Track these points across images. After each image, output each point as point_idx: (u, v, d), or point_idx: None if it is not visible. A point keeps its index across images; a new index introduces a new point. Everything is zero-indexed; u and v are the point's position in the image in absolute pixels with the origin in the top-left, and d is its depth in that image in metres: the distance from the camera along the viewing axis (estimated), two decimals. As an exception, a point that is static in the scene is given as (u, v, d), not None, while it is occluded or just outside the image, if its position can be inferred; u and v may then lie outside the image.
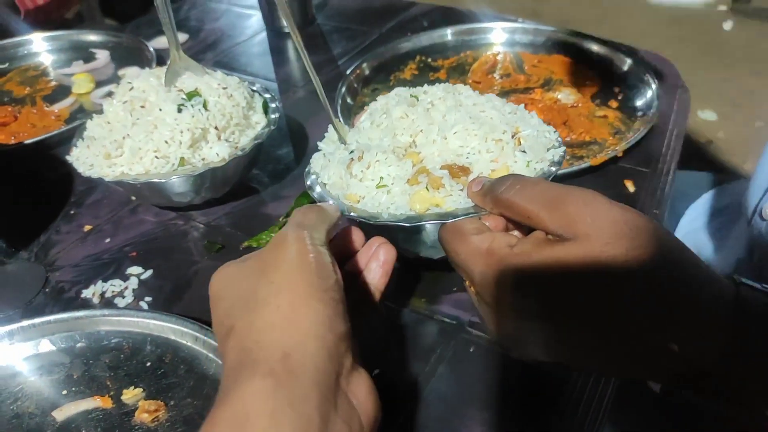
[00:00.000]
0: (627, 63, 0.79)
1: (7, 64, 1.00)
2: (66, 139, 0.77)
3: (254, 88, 0.69)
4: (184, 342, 0.50)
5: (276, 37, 1.03)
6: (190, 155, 0.58)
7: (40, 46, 1.02)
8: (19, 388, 0.49)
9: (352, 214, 0.45)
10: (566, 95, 0.76)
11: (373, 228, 0.45)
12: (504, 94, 0.79)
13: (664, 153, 0.67)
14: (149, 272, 0.58)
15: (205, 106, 0.60)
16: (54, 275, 0.59)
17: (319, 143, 0.55)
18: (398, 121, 0.49)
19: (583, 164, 0.63)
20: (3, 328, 0.51)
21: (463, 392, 0.45)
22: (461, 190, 0.43)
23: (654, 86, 0.73)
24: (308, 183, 0.51)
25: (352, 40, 0.98)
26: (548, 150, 0.47)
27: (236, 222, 0.64)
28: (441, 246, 0.39)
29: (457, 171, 0.45)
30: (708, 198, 0.86)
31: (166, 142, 0.57)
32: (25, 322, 0.51)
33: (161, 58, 0.93)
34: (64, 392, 0.48)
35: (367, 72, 0.85)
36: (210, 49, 1.01)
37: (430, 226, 0.44)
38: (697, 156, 2.13)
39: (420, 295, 0.53)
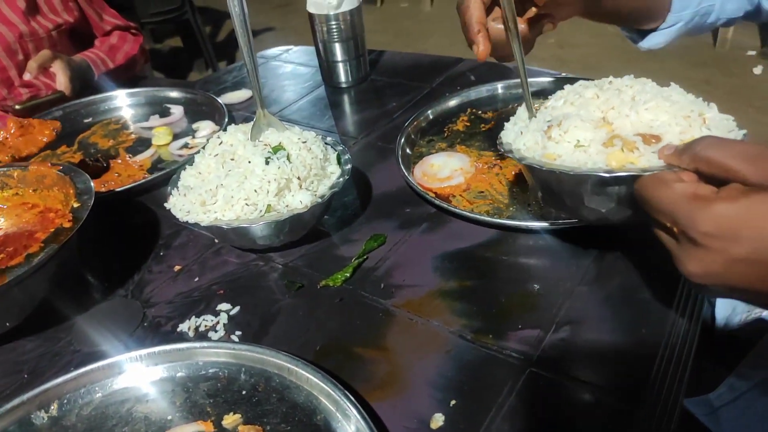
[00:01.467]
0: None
1: (90, 119, 1.10)
2: (151, 187, 0.86)
3: (326, 141, 0.76)
4: (276, 372, 0.55)
5: (333, 92, 1.11)
6: (276, 202, 0.64)
7: (121, 102, 1.13)
8: (129, 413, 0.54)
9: (552, 168, 0.52)
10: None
11: (567, 181, 0.53)
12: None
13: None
14: (237, 308, 0.64)
15: (288, 158, 0.67)
16: (150, 311, 0.66)
17: (506, 124, 0.63)
18: (590, 100, 0.56)
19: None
20: (112, 359, 0.57)
21: (534, 425, 0.49)
22: (653, 152, 0.49)
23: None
24: (503, 149, 0.59)
25: (405, 95, 1.06)
26: (729, 132, 0.51)
27: (312, 263, 0.69)
28: (638, 197, 0.44)
29: (649, 138, 0.51)
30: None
31: (255, 191, 0.64)
32: (133, 353, 0.57)
33: (229, 113, 1.02)
34: (169, 417, 0.53)
35: (423, 124, 0.92)
36: (274, 104, 1.09)
37: (622, 184, 0.50)
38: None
39: (486, 332, 0.57)
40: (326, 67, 1.10)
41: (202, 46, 3.70)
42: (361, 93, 1.10)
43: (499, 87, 0.97)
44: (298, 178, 0.66)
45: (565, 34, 3.59)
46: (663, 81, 0.58)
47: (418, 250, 0.69)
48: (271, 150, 0.67)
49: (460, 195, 0.77)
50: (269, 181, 0.64)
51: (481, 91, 0.97)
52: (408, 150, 0.86)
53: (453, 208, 0.72)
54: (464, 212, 0.71)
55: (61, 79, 1.16)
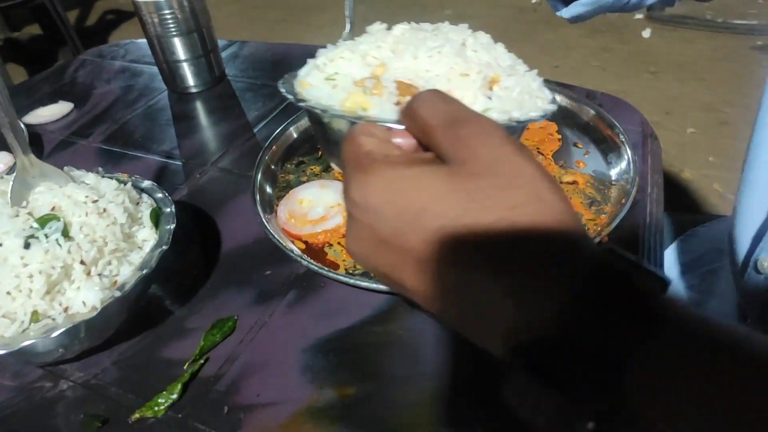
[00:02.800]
0: (590, 113, 0.69)
1: None
2: None
3: (143, 186, 0.54)
4: None
5: (179, 100, 0.87)
6: (48, 306, 0.42)
7: None
8: None
9: (289, 95, 0.46)
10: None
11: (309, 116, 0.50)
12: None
13: (648, 224, 0.57)
14: (-3, 479, 0.41)
15: (65, 233, 0.44)
16: None
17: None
18: (393, 37, 0.47)
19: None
20: None
21: None
22: (394, 103, 0.40)
23: (628, 147, 0.63)
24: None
25: (270, 99, 0.84)
26: (522, 110, 0.42)
27: (126, 376, 0.48)
28: None
29: (405, 87, 0.42)
30: (676, 247, 0.78)
31: (9, 293, 0.41)
32: None
33: (38, 137, 0.77)
34: None
35: (290, 141, 0.71)
36: (100, 121, 0.84)
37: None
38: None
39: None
40: (166, 68, 0.86)
41: (64, 32, 3.23)
42: (215, 99, 0.87)
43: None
44: (82, 262, 0.44)
45: (461, 5, 3.48)
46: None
47: (281, 337, 0.50)
48: (35, 224, 0.44)
49: (338, 243, 0.58)
50: (31, 276, 0.42)
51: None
52: (268, 184, 0.65)
53: (326, 272, 0.53)
54: (340, 276, 0.52)
55: None
